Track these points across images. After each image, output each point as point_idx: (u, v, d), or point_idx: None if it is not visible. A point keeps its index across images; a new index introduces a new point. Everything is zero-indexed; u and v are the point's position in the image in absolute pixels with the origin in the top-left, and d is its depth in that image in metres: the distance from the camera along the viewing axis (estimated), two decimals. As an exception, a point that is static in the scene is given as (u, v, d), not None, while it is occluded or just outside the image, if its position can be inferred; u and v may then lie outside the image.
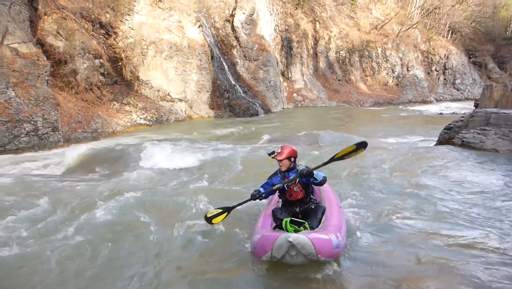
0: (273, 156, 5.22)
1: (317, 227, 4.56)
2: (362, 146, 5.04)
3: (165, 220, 6.32)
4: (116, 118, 18.42)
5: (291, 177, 5.05)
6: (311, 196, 5.23)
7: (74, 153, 11.89)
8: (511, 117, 11.96)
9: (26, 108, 13.32)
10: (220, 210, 5.11)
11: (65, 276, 4.64)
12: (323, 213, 4.86)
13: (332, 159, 5.01)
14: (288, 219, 4.55)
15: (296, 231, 4.35)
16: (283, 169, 5.16)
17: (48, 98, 14.28)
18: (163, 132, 17.76)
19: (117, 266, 4.86)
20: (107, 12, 20.73)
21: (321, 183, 4.98)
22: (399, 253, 5.02)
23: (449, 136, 13.66)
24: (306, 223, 4.66)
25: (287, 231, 4.41)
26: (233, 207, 5.16)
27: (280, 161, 5.13)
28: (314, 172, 4.90)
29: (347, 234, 4.91)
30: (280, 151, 5.16)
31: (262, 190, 5.11)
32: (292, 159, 5.17)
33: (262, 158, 11.27)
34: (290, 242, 3.95)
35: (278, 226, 4.64)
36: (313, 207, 5.02)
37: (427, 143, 14.62)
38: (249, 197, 5.09)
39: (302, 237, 4.00)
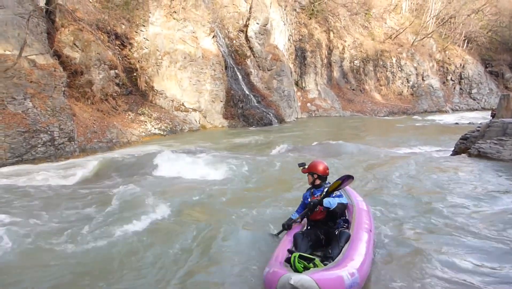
0: (301, 168, 5.22)
1: (337, 257, 4.25)
2: (348, 178, 4.91)
3: (185, 232, 6.25)
4: (130, 128, 18.58)
5: (316, 195, 4.97)
6: (338, 218, 4.89)
7: (91, 162, 12.05)
8: (529, 127, 11.74)
9: (43, 118, 13.52)
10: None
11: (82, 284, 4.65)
12: (346, 240, 4.52)
13: (326, 196, 4.84)
14: (297, 254, 4.10)
15: (305, 268, 3.98)
16: (308, 183, 5.17)
17: (65, 108, 14.48)
18: (178, 142, 17.85)
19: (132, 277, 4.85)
20: (123, 24, 21.03)
21: (335, 211, 4.67)
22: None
23: (465, 146, 13.46)
24: (317, 259, 4.19)
25: (295, 267, 4.00)
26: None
27: (305, 173, 5.16)
28: (327, 199, 4.66)
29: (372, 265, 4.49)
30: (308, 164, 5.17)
31: (293, 216, 5.14)
32: (315, 176, 5.05)
33: (278, 168, 11.25)
34: (291, 284, 3.60)
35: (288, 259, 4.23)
36: (336, 232, 4.67)
37: (443, 154, 14.43)
38: (281, 228, 5.22)
39: (306, 279, 3.61)
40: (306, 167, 5.15)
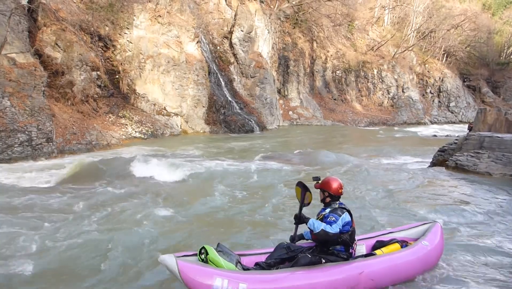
0: (315, 182, 4.83)
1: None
2: (300, 185, 4.89)
3: (155, 233, 6.28)
4: (111, 131, 18.37)
5: (320, 214, 4.69)
6: (330, 244, 4.51)
7: (68, 164, 11.87)
8: (505, 141, 12.07)
9: (21, 118, 13.27)
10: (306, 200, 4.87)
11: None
12: (301, 265, 4.32)
13: (302, 207, 4.80)
14: (205, 247, 4.29)
15: (206, 260, 4.22)
16: (320, 200, 4.80)
17: (44, 109, 14.24)
18: (158, 146, 17.72)
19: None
20: (106, 25, 20.85)
21: (317, 235, 4.33)
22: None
23: (443, 158, 13.74)
24: (214, 258, 4.24)
25: (199, 256, 4.29)
26: (301, 208, 4.85)
27: (317, 189, 4.78)
28: (312, 220, 4.40)
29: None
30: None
31: (314, 223, 4.41)
32: (326, 193, 4.66)
33: (257, 175, 11.28)
34: (159, 261, 4.03)
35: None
36: (299, 256, 4.41)
37: (421, 165, 14.68)
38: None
39: (170, 260, 3.96)
40: (320, 181, 4.77)
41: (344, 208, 4.56)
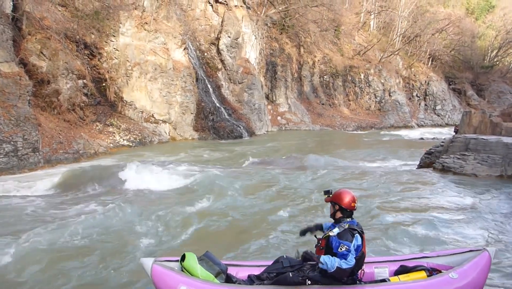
0: (325, 196, 4.43)
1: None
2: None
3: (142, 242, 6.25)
4: (98, 140, 18.22)
5: (329, 233, 4.19)
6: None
7: (54, 174, 11.75)
8: (489, 143, 12.22)
9: (6, 128, 13.10)
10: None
11: None
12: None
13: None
14: (187, 254, 4.27)
15: (186, 268, 4.21)
16: (330, 214, 4.39)
17: (29, 118, 14.08)
18: (146, 154, 17.62)
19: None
20: (92, 33, 20.72)
21: (335, 274, 3.91)
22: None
23: (430, 160, 13.87)
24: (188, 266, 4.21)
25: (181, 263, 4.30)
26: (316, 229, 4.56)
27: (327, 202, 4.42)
28: (325, 258, 3.93)
29: None
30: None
31: (326, 262, 3.95)
32: (337, 207, 4.23)
33: (246, 181, 11.26)
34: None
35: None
36: (290, 274, 4.11)
37: (408, 167, 14.80)
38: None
39: (147, 262, 4.09)
40: (332, 195, 4.35)
41: (356, 229, 4.07)
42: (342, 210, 4.19)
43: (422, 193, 9.95)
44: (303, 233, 4.61)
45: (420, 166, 14.39)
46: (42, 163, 14.13)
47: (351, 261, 3.86)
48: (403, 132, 34.17)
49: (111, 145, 18.70)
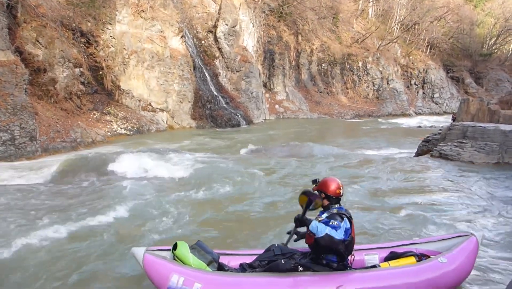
0: (313, 185, 4.47)
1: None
2: (307, 194, 4.44)
3: (144, 232, 6.27)
4: (96, 128, 18.18)
5: (319, 218, 4.21)
6: (324, 252, 4.11)
7: (53, 163, 11.73)
8: (487, 130, 12.25)
9: (2, 117, 13.05)
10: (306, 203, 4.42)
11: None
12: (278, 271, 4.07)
13: (306, 210, 4.38)
14: (179, 243, 4.26)
15: (178, 257, 4.23)
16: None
17: (26, 107, 14.02)
18: (144, 142, 17.60)
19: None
20: (88, 21, 20.54)
21: (321, 240, 3.90)
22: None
23: (428, 148, 13.91)
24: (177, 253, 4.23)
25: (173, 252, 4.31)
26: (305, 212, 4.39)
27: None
28: (315, 222, 3.96)
29: None
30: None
31: (317, 226, 3.96)
32: (323, 195, 4.31)
33: (243, 168, 11.27)
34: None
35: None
36: (282, 261, 4.16)
37: (406, 155, 14.84)
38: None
39: (139, 251, 4.08)
40: (318, 183, 4.42)
41: (344, 214, 4.12)
42: (328, 198, 4.28)
43: (417, 180, 9.99)
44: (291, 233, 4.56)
45: (417, 154, 14.43)
46: (39, 151, 14.11)
47: (340, 234, 3.89)
48: (401, 121, 34.17)
49: (109, 133, 18.67)
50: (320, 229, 3.86)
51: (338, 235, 3.87)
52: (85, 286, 4.67)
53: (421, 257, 4.41)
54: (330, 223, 3.95)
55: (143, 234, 6.15)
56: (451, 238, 4.67)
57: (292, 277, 3.95)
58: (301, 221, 4.18)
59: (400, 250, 4.60)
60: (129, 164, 11.07)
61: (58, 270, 4.99)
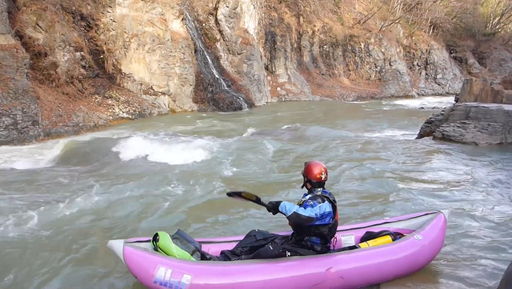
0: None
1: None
2: (234, 195, 4.15)
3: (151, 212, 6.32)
4: (98, 112, 18.19)
5: (302, 199, 4.27)
6: (304, 233, 4.13)
7: (56, 146, 11.79)
8: (490, 111, 12.20)
9: (4, 101, 13.07)
10: (253, 196, 4.12)
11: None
12: (260, 257, 4.03)
13: (258, 202, 4.11)
14: (160, 233, 4.07)
15: (160, 247, 4.03)
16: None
17: (28, 91, 14.02)
18: (146, 126, 17.62)
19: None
20: (88, 4, 20.37)
21: (289, 219, 3.91)
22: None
23: (430, 129, 13.88)
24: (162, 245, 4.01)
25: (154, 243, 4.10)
26: (259, 202, 4.12)
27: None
28: (284, 203, 3.88)
29: None
30: None
31: (285, 205, 3.88)
32: (305, 179, 4.36)
33: (246, 151, 11.30)
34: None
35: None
36: (270, 247, 4.13)
37: (409, 137, 14.82)
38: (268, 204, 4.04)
39: (117, 244, 3.81)
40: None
41: (327, 197, 4.12)
42: (310, 182, 4.31)
43: (418, 160, 10.00)
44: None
45: (420, 135, 14.40)
46: (42, 135, 14.17)
47: (310, 212, 3.86)
48: (404, 102, 34.02)
49: (111, 117, 18.69)
50: (288, 208, 3.83)
51: (306, 212, 3.84)
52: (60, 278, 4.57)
53: (395, 235, 4.57)
54: (305, 203, 4.03)
55: (117, 224, 6.02)
56: (420, 216, 4.91)
57: (282, 263, 3.95)
58: (273, 208, 3.95)
59: (374, 229, 4.75)
60: (132, 149, 11.06)
61: (45, 260, 4.92)
